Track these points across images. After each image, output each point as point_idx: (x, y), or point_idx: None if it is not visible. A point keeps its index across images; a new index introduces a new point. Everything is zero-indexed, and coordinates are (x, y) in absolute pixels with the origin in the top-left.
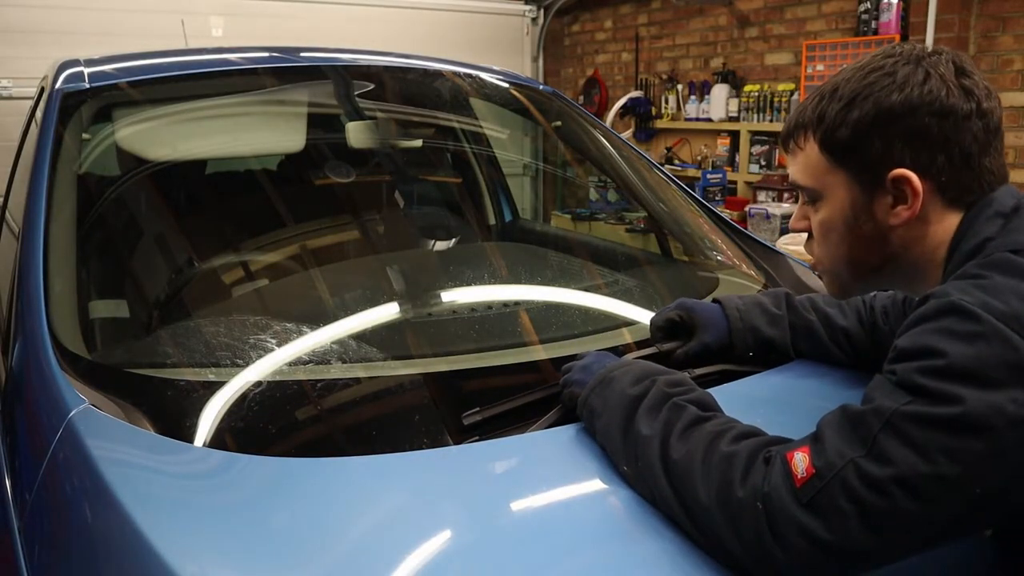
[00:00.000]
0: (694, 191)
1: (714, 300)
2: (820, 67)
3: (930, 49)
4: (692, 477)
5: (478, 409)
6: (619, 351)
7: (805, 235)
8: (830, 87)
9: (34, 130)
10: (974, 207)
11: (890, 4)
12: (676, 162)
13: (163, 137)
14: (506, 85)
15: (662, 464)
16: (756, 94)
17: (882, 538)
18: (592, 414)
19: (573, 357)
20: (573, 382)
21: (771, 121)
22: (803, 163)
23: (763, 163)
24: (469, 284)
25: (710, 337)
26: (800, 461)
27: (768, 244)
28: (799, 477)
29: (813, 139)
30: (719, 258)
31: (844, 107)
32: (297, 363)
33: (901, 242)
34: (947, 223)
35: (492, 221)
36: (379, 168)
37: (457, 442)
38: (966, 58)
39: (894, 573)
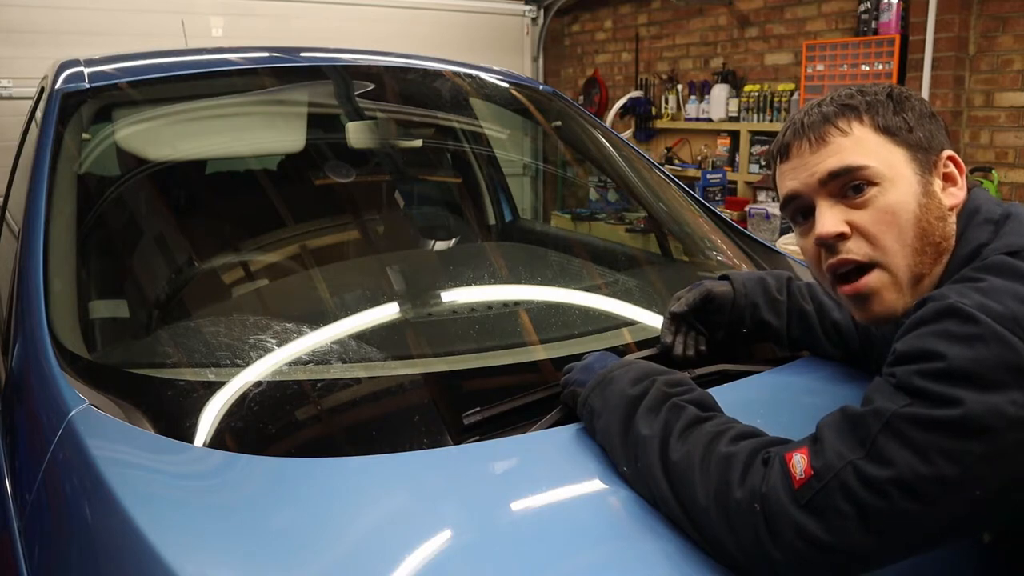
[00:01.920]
0: (694, 191)
1: (722, 276)
2: (820, 67)
3: None
4: (691, 478)
5: (478, 409)
6: (619, 351)
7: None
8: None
9: (34, 130)
10: (961, 214)
11: (890, 4)
12: (676, 162)
13: (163, 137)
14: (506, 85)
15: (661, 465)
16: (756, 94)
17: (880, 539)
18: (592, 414)
19: (573, 357)
20: (574, 382)
21: (771, 121)
22: (854, 145)
23: (763, 163)
24: (469, 284)
25: (717, 312)
26: (799, 462)
27: (768, 244)
28: (797, 478)
29: (865, 122)
30: (719, 258)
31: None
32: (297, 363)
33: (952, 231)
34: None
35: (492, 221)
36: (379, 168)
37: (457, 442)
38: None
39: (893, 575)
